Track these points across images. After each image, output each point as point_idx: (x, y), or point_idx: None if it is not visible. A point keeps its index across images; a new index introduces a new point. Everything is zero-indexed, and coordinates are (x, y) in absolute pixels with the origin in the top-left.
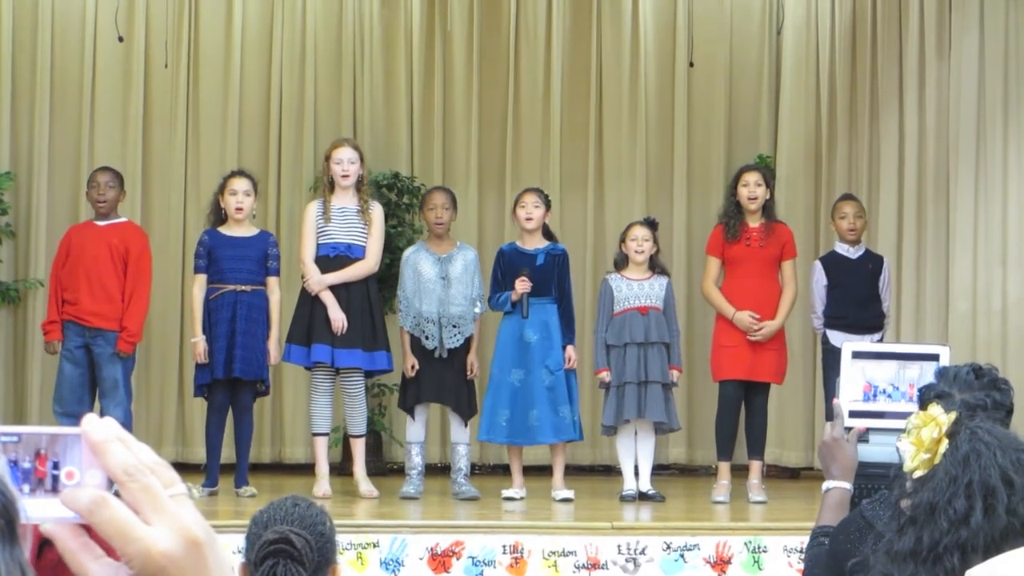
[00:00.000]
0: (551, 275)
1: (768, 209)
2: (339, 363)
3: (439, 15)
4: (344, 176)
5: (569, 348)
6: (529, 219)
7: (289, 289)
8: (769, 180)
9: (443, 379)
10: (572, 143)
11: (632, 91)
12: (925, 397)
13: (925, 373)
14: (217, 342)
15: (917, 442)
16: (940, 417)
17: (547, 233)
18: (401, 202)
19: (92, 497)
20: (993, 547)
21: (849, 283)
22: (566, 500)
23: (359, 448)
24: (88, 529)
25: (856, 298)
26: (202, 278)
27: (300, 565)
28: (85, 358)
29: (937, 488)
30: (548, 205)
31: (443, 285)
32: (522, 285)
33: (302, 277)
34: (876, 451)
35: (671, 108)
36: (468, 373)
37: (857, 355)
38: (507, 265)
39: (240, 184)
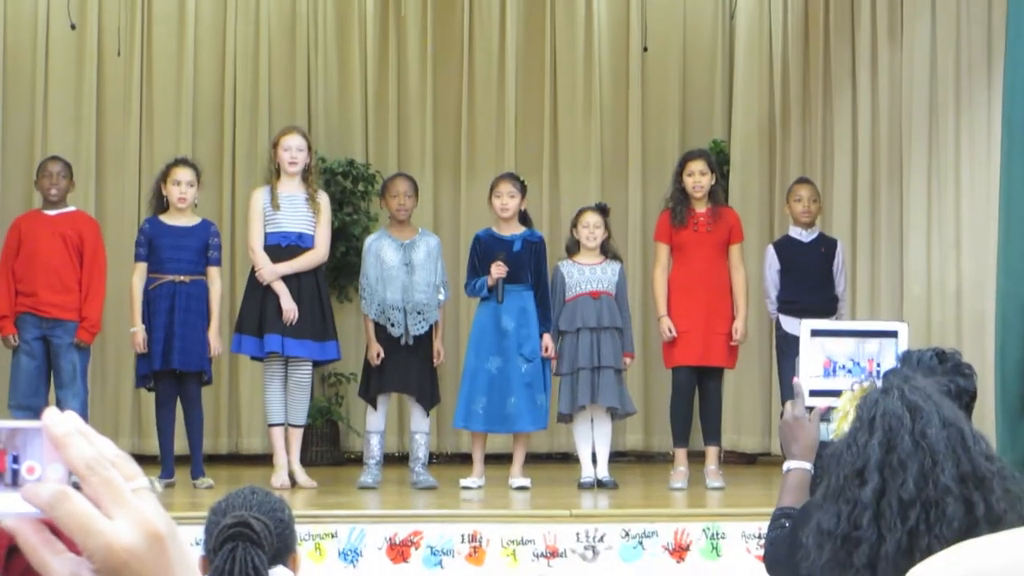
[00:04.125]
0: (528, 262)
1: (714, 194)
2: (289, 352)
3: (393, 2)
4: (292, 163)
5: (546, 336)
6: (505, 209)
7: (240, 279)
8: (714, 166)
9: (407, 368)
10: (527, 129)
11: (586, 77)
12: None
13: (884, 348)
14: (155, 333)
15: (843, 418)
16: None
17: (524, 219)
18: (356, 189)
19: (53, 492)
20: (900, 469)
21: (801, 267)
22: (522, 488)
23: (297, 438)
24: (50, 524)
25: (808, 282)
26: (142, 267)
27: (259, 548)
28: (42, 350)
29: (847, 433)
30: (524, 191)
31: (407, 272)
32: (497, 270)
33: (252, 267)
34: None
35: (625, 93)
36: (434, 360)
37: (816, 333)
38: (483, 251)
39: (184, 174)
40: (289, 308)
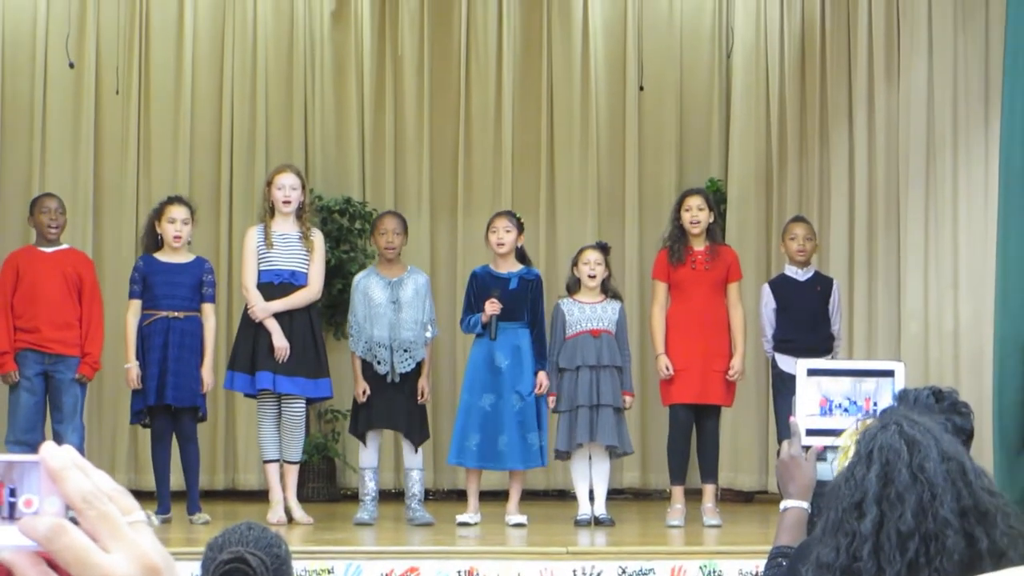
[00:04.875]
0: (524, 299)
1: (712, 232)
2: (281, 389)
3: (390, 40)
4: (285, 202)
5: (541, 374)
6: (501, 244)
7: (236, 315)
8: (712, 204)
9: (394, 404)
10: (523, 167)
11: (583, 115)
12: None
13: (881, 387)
14: (149, 369)
15: (844, 455)
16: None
17: (522, 256)
18: (353, 227)
19: (50, 525)
20: (898, 501)
21: (797, 305)
22: (519, 525)
23: (293, 474)
24: (47, 557)
25: (804, 321)
26: (136, 304)
27: None
28: (42, 385)
29: (845, 468)
30: (521, 228)
31: (394, 309)
32: (491, 307)
33: (246, 304)
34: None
35: (622, 132)
36: (419, 398)
37: (812, 372)
38: (479, 288)
39: (179, 212)
40: (281, 346)
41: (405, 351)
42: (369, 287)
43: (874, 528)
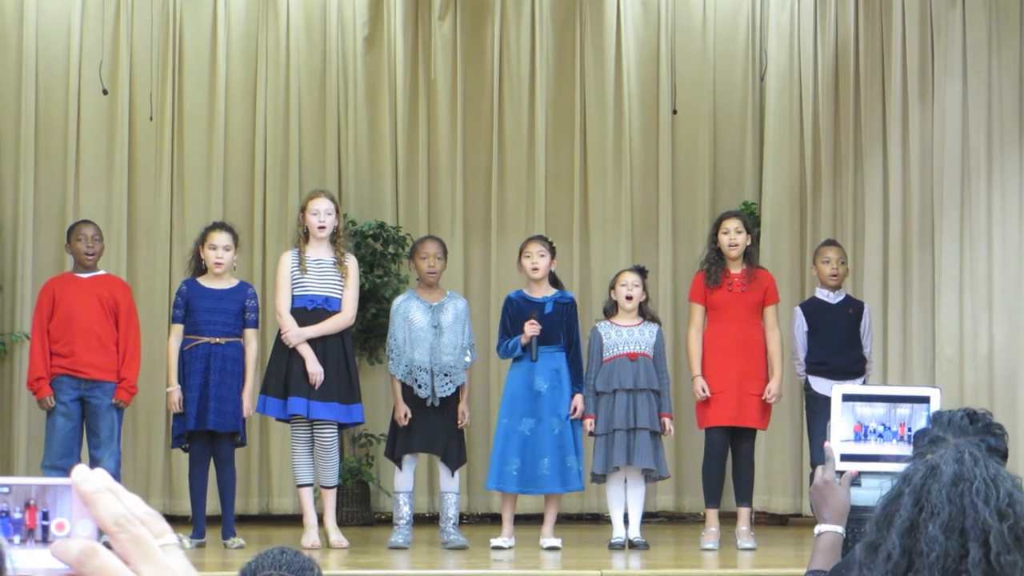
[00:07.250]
0: (559, 323)
1: (750, 255)
2: (315, 415)
3: (423, 65)
4: (320, 227)
5: (577, 396)
6: (535, 269)
7: (269, 340)
8: (750, 226)
9: (433, 428)
10: (557, 191)
11: (616, 139)
12: (919, 442)
13: (916, 413)
14: (190, 393)
15: None
16: None
17: (554, 281)
18: (387, 252)
19: (82, 548)
20: (922, 526)
21: (828, 328)
22: (553, 548)
23: (331, 499)
24: None
25: (835, 343)
26: (179, 328)
27: None
28: (79, 411)
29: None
30: (553, 253)
31: (435, 334)
32: (531, 328)
33: (279, 329)
34: (869, 495)
35: (655, 156)
36: (459, 422)
37: (848, 398)
38: (515, 313)
39: (220, 238)
40: (315, 371)
41: (445, 375)
42: (410, 310)
43: (867, 552)
